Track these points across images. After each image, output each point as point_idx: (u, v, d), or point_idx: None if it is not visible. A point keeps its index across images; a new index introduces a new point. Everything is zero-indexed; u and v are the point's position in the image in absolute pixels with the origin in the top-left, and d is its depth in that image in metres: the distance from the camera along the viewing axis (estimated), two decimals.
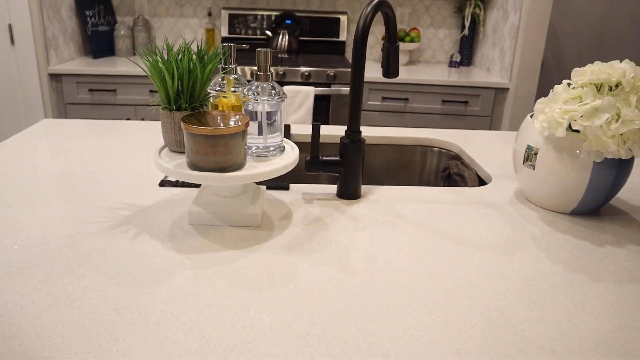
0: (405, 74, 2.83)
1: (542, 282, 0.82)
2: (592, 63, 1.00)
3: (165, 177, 1.17)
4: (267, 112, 0.94)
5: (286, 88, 2.56)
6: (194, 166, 0.88)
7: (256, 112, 0.94)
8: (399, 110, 2.74)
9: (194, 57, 0.93)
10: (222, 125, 0.85)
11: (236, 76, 1.00)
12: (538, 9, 2.57)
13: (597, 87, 0.99)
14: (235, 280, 0.77)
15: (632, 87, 0.95)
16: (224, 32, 3.06)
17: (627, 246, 0.96)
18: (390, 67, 1.13)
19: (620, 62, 1.02)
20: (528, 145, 1.06)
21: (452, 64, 3.16)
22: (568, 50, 5.14)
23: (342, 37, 3.13)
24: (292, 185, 1.15)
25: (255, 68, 0.96)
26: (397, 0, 3.17)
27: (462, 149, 1.49)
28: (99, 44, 2.89)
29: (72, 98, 2.61)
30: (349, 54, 3.28)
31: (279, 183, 1.13)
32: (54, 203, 1.01)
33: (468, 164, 1.43)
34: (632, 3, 4.29)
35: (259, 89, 0.93)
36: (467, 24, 3.08)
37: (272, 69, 0.96)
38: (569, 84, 1.03)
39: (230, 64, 0.99)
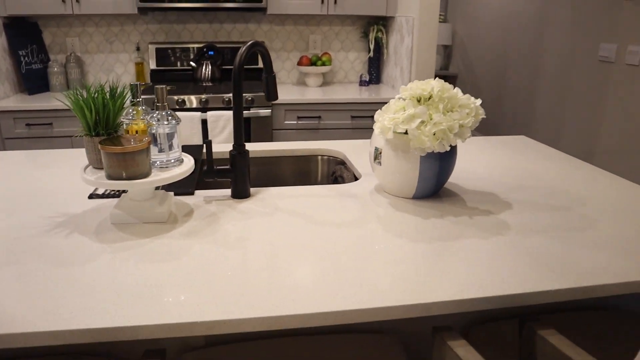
0: (320, 94, 3.17)
1: (373, 245, 1.13)
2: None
3: (95, 190, 1.43)
4: (167, 134, 1.23)
5: (209, 113, 2.84)
6: (110, 177, 1.15)
7: (158, 134, 1.22)
8: (313, 127, 3.07)
9: (107, 94, 1.21)
10: (130, 145, 1.13)
11: (144, 107, 1.28)
12: (425, 32, 2.96)
13: (418, 100, 1.32)
14: (144, 258, 1.05)
15: (439, 98, 1.29)
16: (153, 64, 3.32)
17: (446, 217, 1.29)
18: (270, 92, 1.43)
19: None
20: (375, 147, 1.39)
21: (361, 83, 3.52)
22: (477, 63, 5.65)
23: (261, 64, 3.44)
24: (197, 191, 1.43)
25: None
26: (309, 28, 3.53)
27: (345, 156, 1.81)
28: (33, 81, 3.09)
29: (10, 133, 2.80)
30: None
31: (186, 189, 1.41)
32: (3, 220, 1.26)
33: (349, 167, 1.75)
34: (528, 25, 4.83)
35: (159, 116, 1.22)
36: (371, 46, 3.45)
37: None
38: (399, 98, 1.36)
39: (138, 99, 1.27)
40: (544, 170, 1.66)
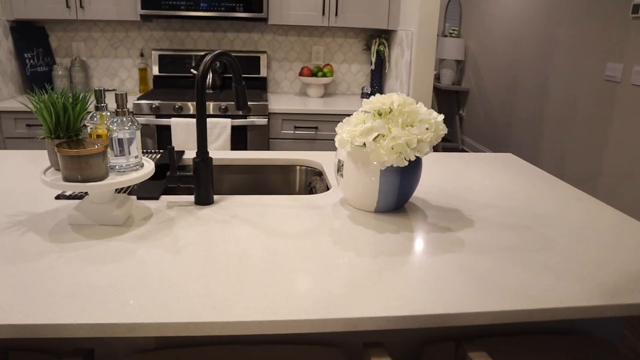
0: (320, 105, 3.18)
1: (316, 257, 1.13)
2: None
3: (63, 192, 1.46)
4: (127, 139, 1.25)
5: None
6: (66, 179, 1.17)
7: (118, 139, 1.24)
8: (310, 137, 3.08)
9: (70, 99, 1.23)
10: (85, 148, 1.15)
11: (108, 113, 1.30)
12: (424, 47, 2.96)
13: (379, 113, 1.33)
14: (88, 258, 1.07)
15: (399, 112, 1.29)
16: (155, 71, 3.38)
17: (402, 233, 1.28)
18: (239, 101, 1.45)
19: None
20: (338, 159, 1.39)
21: (363, 95, 3.53)
22: (488, 79, 5.62)
23: (263, 73, 3.48)
24: (163, 196, 1.45)
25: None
26: (312, 39, 3.55)
27: (323, 167, 1.81)
28: (38, 83, 3.17)
29: (11, 132, 2.87)
30: (271, 88, 3.63)
31: (151, 194, 1.43)
32: None
33: (324, 178, 1.75)
34: (537, 44, 4.80)
35: (119, 121, 1.24)
36: (373, 59, 3.46)
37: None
38: (362, 111, 1.36)
39: (102, 104, 1.30)
40: (518, 189, 1.65)
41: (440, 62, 6.85)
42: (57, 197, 1.42)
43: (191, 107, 2.92)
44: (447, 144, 6.39)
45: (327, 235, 1.24)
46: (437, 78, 6.45)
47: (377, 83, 3.59)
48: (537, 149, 4.61)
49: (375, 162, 1.30)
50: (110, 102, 2.92)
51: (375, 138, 1.27)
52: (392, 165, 1.30)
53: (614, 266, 1.14)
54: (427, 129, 1.30)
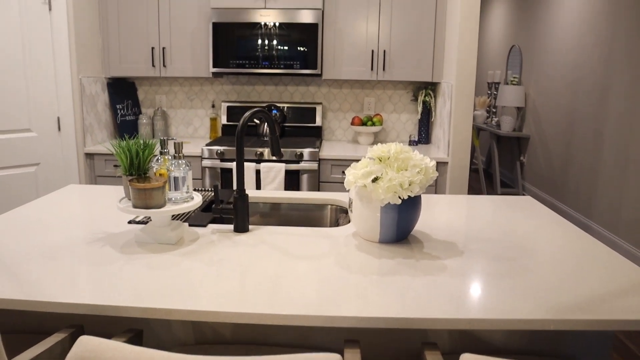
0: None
1: (318, 272, 1.43)
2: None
3: (135, 218, 1.85)
4: (181, 177, 1.62)
5: (263, 165, 3.27)
6: (134, 206, 1.55)
7: (175, 177, 1.62)
8: None
9: (141, 146, 1.63)
10: (149, 183, 1.53)
11: (169, 157, 1.68)
12: (461, 98, 3.23)
13: (380, 159, 1.62)
14: (145, 265, 1.42)
15: (395, 159, 1.59)
16: (224, 120, 3.85)
17: (396, 259, 1.55)
18: (274, 149, 1.80)
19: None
20: (349, 198, 1.69)
21: (411, 142, 3.81)
22: (547, 127, 5.72)
23: (319, 122, 3.86)
24: (210, 225, 1.80)
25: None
26: (364, 91, 3.90)
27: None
28: (126, 130, 3.71)
29: (101, 172, 3.39)
30: (326, 136, 4.00)
31: (200, 222, 1.79)
32: (65, 231, 1.70)
33: (349, 215, 2.05)
34: (591, 91, 4.92)
35: (176, 164, 1.61)
36: (419, 109, 3.76)
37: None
38: (368, 157, 1.67)
39: (165, 149, 1.68)
40: (519, 228, 1.86)
41: (501, 109, 6.99)
42: (129, 222, 1.81)
43: (251, 152, 3.33)
44: (508, 189, 6.47)
45: (332, 257, 1.54)
46: (498, 125, 6.59)
47: (424, 131, 3.86)
48: (594, 194, 4.65)
49: (375, 200, 1.59)
50: (184, 149, 3.39)
51: (375, 180, 1.57)
52: (389, 203, 1.59)
53: (572, 292, 1.35)
54: (418, 172, 1.58)
